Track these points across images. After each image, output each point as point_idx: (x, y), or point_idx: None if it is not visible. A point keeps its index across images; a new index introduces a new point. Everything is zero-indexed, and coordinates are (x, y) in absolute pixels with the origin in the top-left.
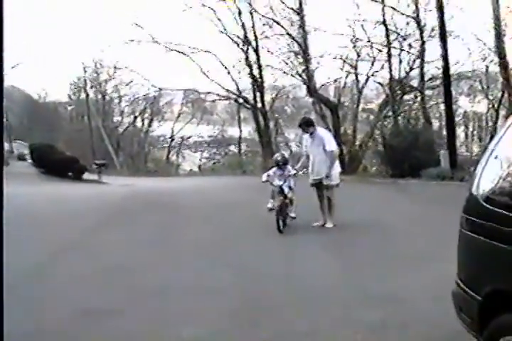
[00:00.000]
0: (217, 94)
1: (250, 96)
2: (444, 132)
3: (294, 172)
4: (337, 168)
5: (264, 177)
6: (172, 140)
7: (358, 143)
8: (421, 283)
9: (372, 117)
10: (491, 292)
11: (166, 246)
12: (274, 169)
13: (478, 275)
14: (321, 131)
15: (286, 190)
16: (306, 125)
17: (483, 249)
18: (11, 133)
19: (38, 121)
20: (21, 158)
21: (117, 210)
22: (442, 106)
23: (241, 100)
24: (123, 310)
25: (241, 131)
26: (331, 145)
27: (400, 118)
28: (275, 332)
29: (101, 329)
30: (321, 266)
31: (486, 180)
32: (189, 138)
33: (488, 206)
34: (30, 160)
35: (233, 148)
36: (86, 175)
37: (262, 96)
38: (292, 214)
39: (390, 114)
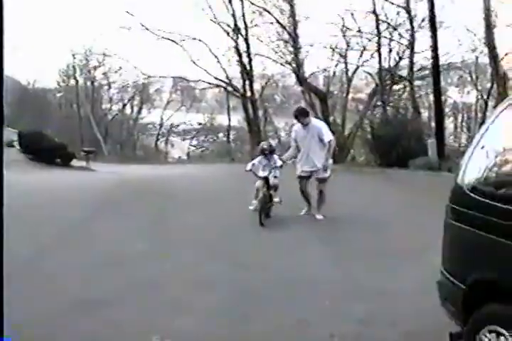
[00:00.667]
0: (207, 82)
1: (239, 85)
2: (433, 122)
3: (281, 163)
4: (330, 159)
5: (249, 166)
6: (161, 127)
7: (346, 132)
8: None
9: (361, 106)
10: (475, 281)
11: (154, 234)
12: (260, 158)
13: (462, 264)
14: (315, 121)
15: (271, 180)
16: (303, 115)
17: (467, 239)
18: None
19: (27, 108)
20: (10, 144)
21: (105, 198)
22: (431, 97)
23: (230, 88)
24: (114, 300)
25: (230, 119)
26: (329, 135)
27: (388, 107)
28: None
29: (92, 319)
30: (309, 256)
31: (472, 170)
32: (178, 125)
33: (473, 196)
34: (18, 147)
35: (222, 136)
36: (74, 162)
37: (251, 85)
38: (276, 199)
39: (379, 103)
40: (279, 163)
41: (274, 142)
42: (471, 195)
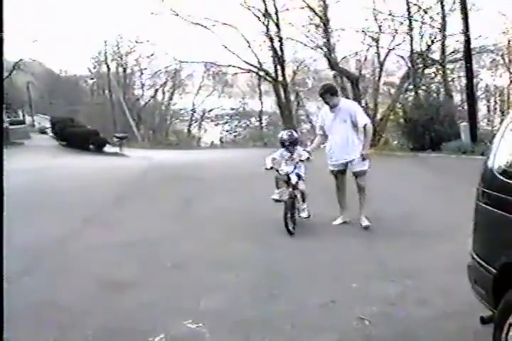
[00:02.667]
0: (238, 67)
1: (271, 69)
2: (466, 106)
3: (307, 156)
4: (367, 148)
5: (269, 162)
6: (193, 113)
7: (379, 116)
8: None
9: (393, 90)
10: (505, 265)
11: (186, 218)
12: (281, 151)
13: (492, 248)
14: (346, 102)
15: (293, 179)
16: (331, 93)
17: (498, 222)
18: (32, 106)
19: (59, 95)
20: (43, 131)
21: (136, 182)
22: (464, 80)
23: (262, 73)
24: (143, 282)
25: (262, 103)
26: (363, 118)
27: (421, 91)
28: None
29: (120, 300)
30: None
31: (503, 152)
32: (210, 111)
33: (504, 179)
34: (51, 134)
35: (254, 121)
36: (107, 148)
37: (282, 69)
38: (304, 214)
39: (411, 87)
40: (305, 155)
41: (306, 126)
42: (502, 178)
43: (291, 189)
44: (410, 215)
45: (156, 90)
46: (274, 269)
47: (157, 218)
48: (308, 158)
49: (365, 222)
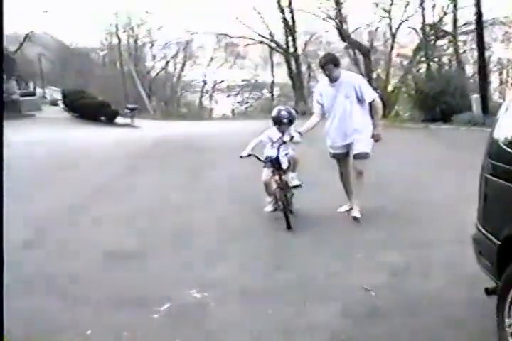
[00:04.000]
0: (250, 39)
1: (282, 41)
2: (477, 78)
3: (298, 137)
4: (370, 127)
5: (248, 148)
6: (205, 84)
7: (390, 88)
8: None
9: (405, 62)
10: (510, 236)
11: (196, 188)
12: (272, 131)
13: (497, 219)
14: (348, 75)
15: (284, 161)
16: (334, 64)
17: (503, 193)
18: (43, 79)
19: (71, 67)
20: (54, 103)
21: (146, 153)
22: (476, 52)
23: (273, 44)
24: (151, 252)
25: (273, 75)
26: (370, 92)
27: (433, 63)
28: None
29: (125, 271)
30: None
31: (508, 124)
32: (221, 82)
33: (509, 150)
34: (62, 106)
35: (266, 92)
36: (118, 120)
37: (294, 41)
38: (295, 181)
39: (423, 59)
40: (295, 136)
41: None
42: (507, 149)
43: (277, 176)
44: (418, 186)
45: (167, 62)
46: (280, 241)
47: (168, 188)
48: (292, 138)
49: (355, 213)
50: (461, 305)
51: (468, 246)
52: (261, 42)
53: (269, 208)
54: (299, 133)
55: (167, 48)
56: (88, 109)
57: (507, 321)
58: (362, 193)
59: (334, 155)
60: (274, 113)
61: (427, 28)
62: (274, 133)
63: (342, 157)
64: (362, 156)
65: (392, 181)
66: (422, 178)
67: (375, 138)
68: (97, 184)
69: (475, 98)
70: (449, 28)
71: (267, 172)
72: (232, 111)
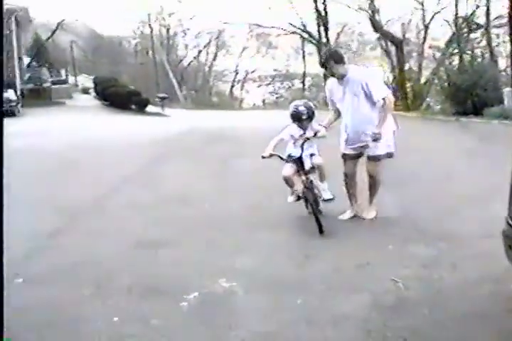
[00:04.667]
0: (282, 29)
1: (315, 31)
2: (510, 71)
3: (323, 133)
4: (390, 126)
5: (270, 147)
6: (236, 74)
7: (423, 80)
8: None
9: (438, 54)
10: None
11: (225, 178)
12: (292, 128)
13: None
14: (356, 70)
15: (307, 163)
16: (334, 60)
17: None
18: (75, 67)
19: (102, 55)
20: (85, 91)
21: (178, 142)
22: (509, 46)
23: (305, 35)
24: (179, 241)
25: (305, 65)
26: (379, 89)
27: (465, 56)
28: None
29: (154, 259)
30: None
31: None
32: (253, 72)
33: None
34: (94, 94)
35: (297, 83)
36: (149, 108)
37: (326, 31)
38: (327, 195)
39: (456, 51)
40: (321, 131)
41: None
42: None
43: (303, 177)
44: (448, 179)
45: (200, 51)
46: (310, 231)
47: (197, 178)
48: (316, 133)
49: (369, 213)
50: (489, 298)
51: (498, 240)
52: (293, 32)
53: (291, 198)
54: (324, 127)
55: (199, 38)
56: (119, 97)
57: None
58: (374, 197)
59: (345, 156)
60: (292, 109)
61: (460, 21)
62: (295, 130)
63: (352, 158)
64: (374, 159)
65: (422, 173)
66: (453, 170)
67: (373, 137)
68: (125, 172)
69: (507, 91)
70: (481, 20)
71: (288, 168)
72: (263, 101)
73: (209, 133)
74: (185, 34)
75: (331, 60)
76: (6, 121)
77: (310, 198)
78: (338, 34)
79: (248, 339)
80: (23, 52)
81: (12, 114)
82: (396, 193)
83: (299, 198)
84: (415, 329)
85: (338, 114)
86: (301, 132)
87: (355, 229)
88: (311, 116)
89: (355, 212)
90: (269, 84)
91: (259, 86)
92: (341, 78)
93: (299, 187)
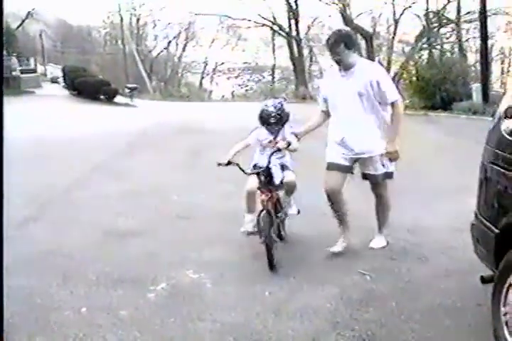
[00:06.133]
0: (253, 21)
1: (285, 24)
2: (479, 66)
3: (287, 143)
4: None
5: (230, 153)
6: (206, 65)
7: (391, 74)
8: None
9: (407, 48)
10: (508, 225)
11: (195, 169)
12: (260, 131)
13: (496, 207)
14: (366, 64)
15: (278, 177)
16: (345, 44)
17: (503, 182)
18: (44, 56)
19: (72, 45)
20: (54, 80)
21: (147, 134)
22: (479, 41)
23: (276, 27)
24: (145, 231)
25: (275, 58)
26: (392, 91)
27: (435, 50)
28: None
29: (123, 249)
30: None
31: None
32: (222, 64)
33: (510, 138)
34: (62, 83)
35: (267, 75)
36: (118, 99)
37: (296, 24)
38: (292, 209)
39: (426, 46)
40: (292, 143)
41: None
42: (509, 137)
43: (266, 195)
44: (417, 174)
45: (169, 42)
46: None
47: (166, 169)
48: (289, 144)
49: (379, 243)
50: (458, 292)
51: (466, 233)
52: (263, 24)
53: (248, 227)
54: (296, 135)
55: (169, 28)
56: (88, 87)
57: (502, 309)
58: (387, 219)
59: (330, 167)
60: (261, 109)
61: (431, 15)
62: (263, 134)
63: (341, 173)
64: (380, 178)
65: None
66: (422, 165)
67: (390, 156)
68: (95, 163)
69: (476, 86)
70: (452, 15)
71: (253, 180)
72: (232, 93)
73: (178, 125)
74: (156, 25)
75: (342, 43)
76: None
77: (266, 227)
78: (309, 27)
79: (216, 331)
80: None
81: None
82: (363, 186)
83: (253, 233)
84: (382, 322)
85: (324, 118)
86: (270, 137)
87: (322, 222)
88: (281, 120)
89: (347, 242)
90: (238, 76)
91: (228, 78)
92: (347, 69)
93: (261, 211)
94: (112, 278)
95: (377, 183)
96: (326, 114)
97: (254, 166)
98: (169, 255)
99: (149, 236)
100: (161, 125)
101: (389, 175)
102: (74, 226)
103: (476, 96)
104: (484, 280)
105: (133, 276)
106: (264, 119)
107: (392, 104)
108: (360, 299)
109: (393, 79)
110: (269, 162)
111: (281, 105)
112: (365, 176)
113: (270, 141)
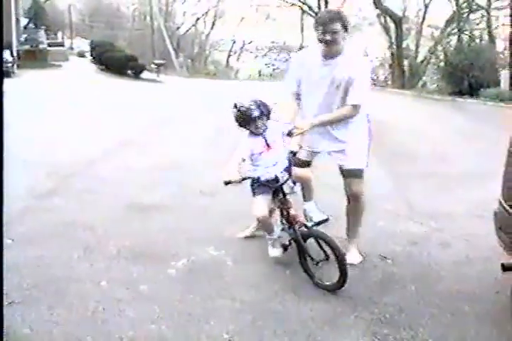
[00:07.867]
0: (282, 0)
1: (315, 4)
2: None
3: (289, 131)
4: (363, 137)
5: (233, 169)
6: (233, 44)
7: (420, 58)
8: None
9: (436, 33)
10: None
11: (223, 146)
12: (250, 140)
13: None
14: (354, 54)
15: (289, 187)
16: (342, 24)
17: None
18: (72, 30)
19: (100, 19)
20: (81, 54)
21: (174, 109)
22: (509, 28)
23: (305, 7)
24: (170, 207)
25: (303, 38)
26: (359, 92)
27: (464, 36)
28: None
29: (145, 223)
30: None
31: None
32: (250, 42)
33: None
34: (89, 57)
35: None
36: (145, 74)
37: (326, 5)
38: (318, 215)
39: (455, 31)
40: (304, 124)
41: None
42: None
43: (286, 209)
44: (443, 158)
45: (197, 19)
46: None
47: (194, 144)
48: (290, 133)
49: (353, 257)
50: (478, 278)
51: (489, 220)
52: (293, 4)
53: (276, 252)
54: (290, 135)
55: (198, 6)
56: (115, 62)
57: None
58: (359, 228)
59: (298, 163)
60: (234, 114)
61: (461, 1)
62: (254, 142)
63: (303, 164)
64: (356, 174)
65: (414, 153)
66: (448, 150)
67: (293, 129)
68: (121, 136)
69: (504, 73)
70: (482, 2)
71: (261, 203)
72: (259, 72)
73: (207, 101)
74: (185, 1)
75: (340, 22)
76: None
77: (300, 240)
78: (338, 8)
79: (235, 309)
80: (20, 14)
81: (7, 75)
82: (389, 170)
83: (286, 248)
84: (401, 306)
85: (298, 100)
86: (263, 142)
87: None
88: (263, 112)
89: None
90: (266, 55)
91: (255, 57)
92: (331, 56)
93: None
94: (132, 252)
95: (354, 179)
96: (298, 98)
97: (259, 182)
98: (191, 231)
99: (172, 211)
100: (188, 101)
101: (362, 173)
102: (96, 199)
103: (504, 83)
104: (505, 268)
105: (154, 251)
106: (244, 119)
107: (354, 107)
108: (380, 282)
109: (421, 62)
110: (276, 166)
111: (261, 103)
112: (344, 172)
113: (264, 146)
